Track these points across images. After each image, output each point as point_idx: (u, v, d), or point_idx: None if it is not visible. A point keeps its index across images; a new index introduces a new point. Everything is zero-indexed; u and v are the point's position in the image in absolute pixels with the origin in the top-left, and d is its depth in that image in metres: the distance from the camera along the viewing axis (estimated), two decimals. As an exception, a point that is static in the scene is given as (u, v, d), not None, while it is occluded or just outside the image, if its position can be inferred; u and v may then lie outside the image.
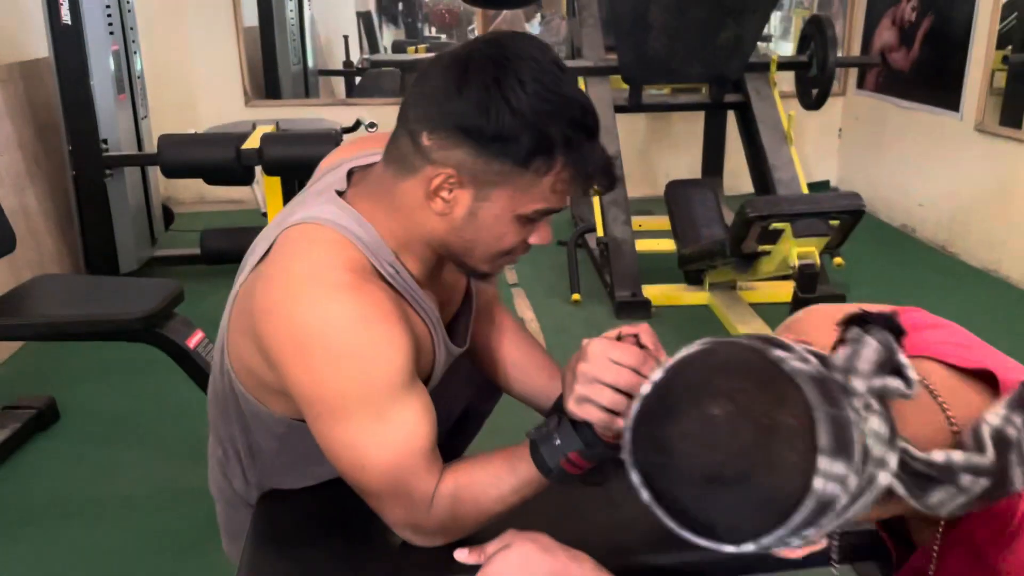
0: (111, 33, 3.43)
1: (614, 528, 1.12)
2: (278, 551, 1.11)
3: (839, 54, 4.98)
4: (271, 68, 5.32)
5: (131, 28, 3.66)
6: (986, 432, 0.70)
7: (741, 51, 3.64)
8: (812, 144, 5.06)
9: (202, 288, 2.88)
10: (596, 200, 3.51)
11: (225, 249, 3.15)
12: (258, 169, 3.10)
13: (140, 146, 3.69)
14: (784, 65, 3.88)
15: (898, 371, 0.68)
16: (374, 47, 6.81)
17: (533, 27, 7.02)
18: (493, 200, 0.94)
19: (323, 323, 0.92)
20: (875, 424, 0.66)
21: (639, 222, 3.93)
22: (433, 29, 7.72)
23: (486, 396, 1.38)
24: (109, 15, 3.42)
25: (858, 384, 0.67)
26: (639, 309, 3.23)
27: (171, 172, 3.07)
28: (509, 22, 6.56)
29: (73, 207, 3.43)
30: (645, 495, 0.70)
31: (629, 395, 0.89)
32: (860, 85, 4.85)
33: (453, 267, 1.09)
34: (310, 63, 5.84)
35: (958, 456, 0.69)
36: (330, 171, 1.10)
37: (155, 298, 2.07)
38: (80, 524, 2.05)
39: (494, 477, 0.97)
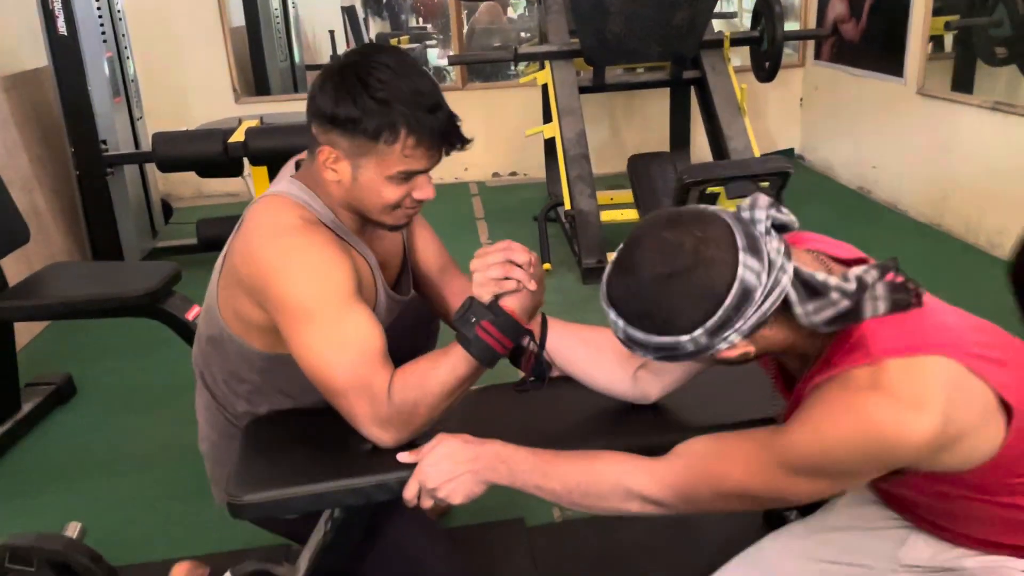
0: (104, 41, 3.68)
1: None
2: (264, 458, 1.34)
3: (797, 27, 5.25)
4: (259, 65, 5.55)
5: (123, 35, 3.92)
6: (851, 274, 0.99)
7: (695, 30, 3.87)
8: (776, 114, 5.30)
9: (200, 273, 3.13)
10: (564, 177, 3.76)
11: (219, 235, 3.40)
12: (246, 162, 3.38)
13: (137, 145, 3.96)
14: (737, 41, 4.11)
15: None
16: (359, 40, 7.02)
17: (512, 15, 7.25)
18: (364, 167, 1.26)
19: (284, 252, 1.25)
20: (775, 243, 0.98)
21: (610, 196, 4.18)
22: (421, 20, 7.91)
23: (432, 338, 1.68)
24: (102, 24, 3.68)
25: (759, 215, 0.99)
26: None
27: (165, 166, 3.33)
28: (489, 11, 6.79)
29: (78, 204, 3.69)
30: (619, 322, 1.02)
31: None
32: (817, 56, 5.08)
33: (382, 234, 1.41)
34: (297, 59, 6.08)
35: (832, 279, 0.99)
36: (287, 165, 1.44)
37: (156, 278, 2.34)
38: (100, 477, 2.33)
39: (432, 362, 1.25)
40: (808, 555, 1.31)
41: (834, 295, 0.98)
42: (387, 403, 1.23)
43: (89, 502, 2.22)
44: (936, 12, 4.04)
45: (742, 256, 0.96)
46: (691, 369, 1.33)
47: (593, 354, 1.38)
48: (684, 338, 0.99)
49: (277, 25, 5.76)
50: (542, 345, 1.34)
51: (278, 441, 1.40)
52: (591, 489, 1.14)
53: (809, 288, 0.99)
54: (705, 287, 0.96)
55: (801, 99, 5.38)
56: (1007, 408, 0.98)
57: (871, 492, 1.30)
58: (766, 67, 4.11)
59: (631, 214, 3.84)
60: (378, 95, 1.21)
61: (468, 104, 5.09)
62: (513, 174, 5.37)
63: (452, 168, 5.10)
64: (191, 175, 4.66)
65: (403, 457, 1.24)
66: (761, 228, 0.99)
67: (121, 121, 3.81)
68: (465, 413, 1.35)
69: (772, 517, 1.70)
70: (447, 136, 1.26)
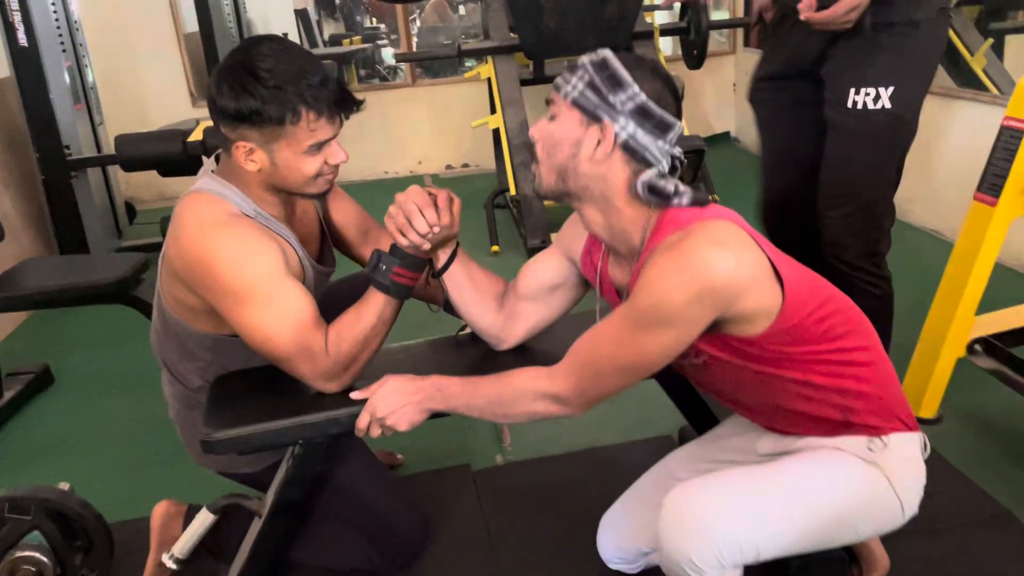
0: (64, 51, 3.85)
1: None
2: (231, 404, 1.55)
3: (727, 17, 5.53)
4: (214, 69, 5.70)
5: (80, 44, 4.08)
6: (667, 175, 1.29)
7: (625, 22, 4.12)
8: (711, 100, 5.58)
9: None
10: (508, 166, 4.00)
11: (183, 231, 3.60)
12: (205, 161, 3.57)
13: (99, 149, 4.13)
14: (666, 31, 4.37)
15: None
16: (312, 42, 7.17)
17: (459, 12, 7.45)
18: (279, 149, 1.39)
19: (214, 244, 1.39)
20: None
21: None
22: (374, 20, 8.07)
23: None
24: (60, 34, 3.84)
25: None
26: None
27: (128, 166, 3.51)
28: (435, 9, 7.00)
29: (45, 208, 3.84)
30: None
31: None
32: (746, 44, 5.37)
33: (302, 212, 1.59)
34: (251, 62, 6.23)
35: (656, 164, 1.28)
36: (206, 162, 1.60)
37: (125, 267, 2.54)
38: (82, 452, 2.52)
39: (357, 314, 1.47)
40: (696, 459, 1.62)
41: (652, 167, 1.28)
42: (327, 358, 1.45)
43: (73, 473, 2.38)
44: (851, -2, 4.33)
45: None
46: (548, 314, 1.60)
47: (476, 291, 1.61)
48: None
49: (230, 30, 5.90)
50: (443, 269, 1.57)
51: (242, 390, 1.62)
52: (506, 398, 1.38)
53: (644, 138, 1.27)
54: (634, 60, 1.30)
55: (734, 84, 5.66)
56: (781, 281, 1.25)
57: (735, 415, 1.58)
58: (694, 55, 4.38)
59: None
60: (270, 83, 1.33)
61: (419, 100, 5.32)
62: (465, 165, 5.59)
63: (406, 162, 5.31)
64: (153, 178, 4.81)
65: (355, 395, 1.47)
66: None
67: (83, 127, 3.98)
68: (414, 362, 1.63)
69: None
70: (342, 103, 1.40)
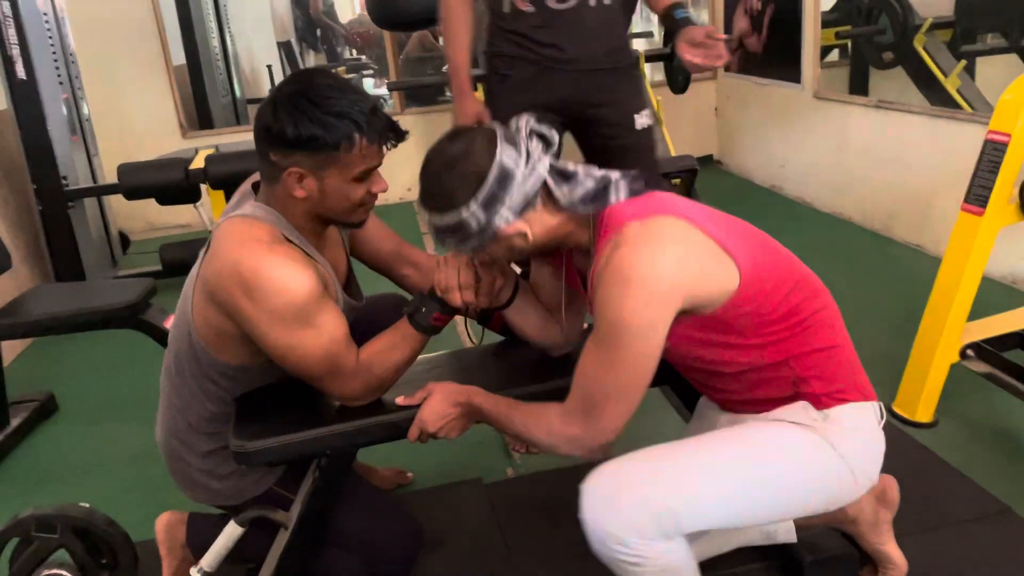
0: (60, 83, 3.90)
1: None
2: (260, 417, 1.59)
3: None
4: (202, 101, 5.73)
5: (76, 77, 4.13)
6: (596, 171, 1.36)
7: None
8: (694, 124, 5.70)
9: (163, 297, 3.37)
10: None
11: (182, 258, 3.64)
12: (203, 189, 3.62)
13: (95, 179, 4.16)
14: (651, 57, 4.49)
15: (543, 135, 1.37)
16: (297, 74, 7.24)
17: (441, 41, 7.54)
18: (329, 177, 1.44)
19: (254, 268, 1.40)
20: (536, 145, 1.33)
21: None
22: (354, 51, 8.15)
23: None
24: (57, 67, 3.89)
25: (520, 124, 1.36)
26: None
27: (131, 195, 3.55)
28: (420, 40, 7.10)
29: (42, 238, 3.87)
30: (425, 215, 1.37)
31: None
32: (727, 68, 5.51)
33: (331, 245, 1.65)
34: (238, 93, 6.30)
35: (581, 168, 1.36)
36: (245, 187, 1.64)
37: (135, 292, 2.57)
38: (92, 477, 2.53)
39: (390, 341, 1.54)
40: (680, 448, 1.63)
41: (581, 177, 1.35)
42: (356, 380, 1.52)
43: (84, 497, 2.40)
44: (830, 23, 4.48)
45: (501, 146, 1.31)
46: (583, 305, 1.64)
47: (539, 319, 1.66)
48: (464, 212, 1.31)
49: (217, 62, 5.97)
50: (507, 305, 1.63)
51: (269, 403, 1.66)
52: (532, 436, 1.43)
53: (563, 175, 1.35)
54: (472, 169, 1.30)
55: (716, 108, 5.80)
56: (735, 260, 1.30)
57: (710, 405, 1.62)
58: (679, 81, 4.50)
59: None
60: (332, 110, 1.39)
61: (407, 128, 5.38)
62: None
63: (396, 190, 5.36)
64: (143, 209, 4.89)
65: (401, 401, 1.54)
66: (523, 134, 1.34)
67: (79, 158, 4.02)
68: (443, 371, 1.71)
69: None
70: (390, 131, 1.48)
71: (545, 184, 1.33)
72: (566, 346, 1.70)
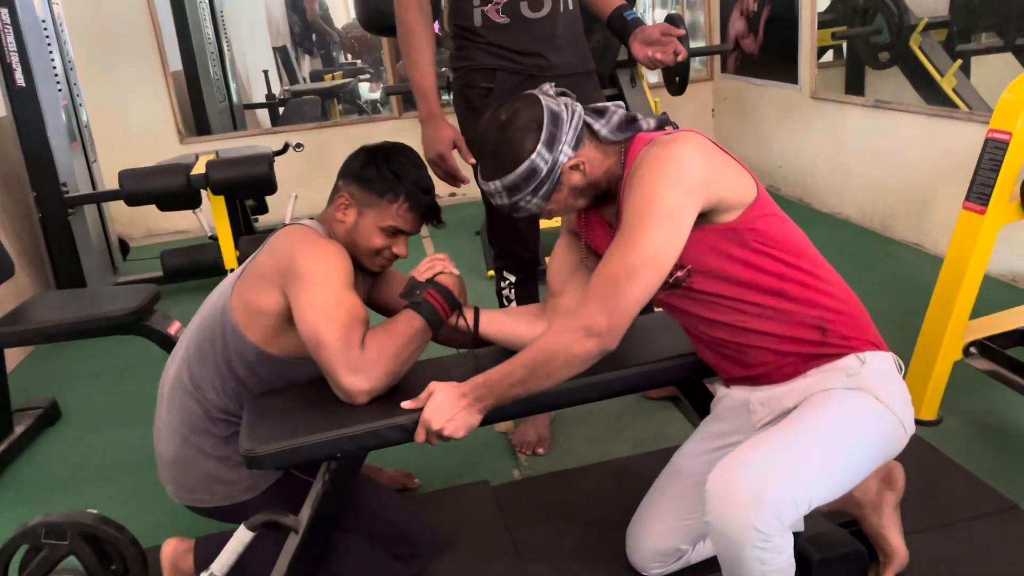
0: (60, 90, 3.89)
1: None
2: (270, 420, 1.60)
3: (703, 44, 5.70)
4: (199, 107, 5.75)
5: (75, 84, 4.13)
6: (623, 108, 1.53)
7: (610, 51, 4.25)
8: (691, 124, 5.65)
9: (165, 303, 3.38)
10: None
11: (183, 264, 3.64)
12: (204, 195, 3.62)
13: (94, 186, 4.16)
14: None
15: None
16: (293, 78, 7.25)
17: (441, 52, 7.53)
18: (366, 215, 1.70)
19: (309, 245, 1.63)
20: (568, 100, 1.52)
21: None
22: (350, 56, 8.15)
23: None
24: (56, 75, 3.89)
25: (549, 90, 1.54)
26: (539, 276, 3.80)
27: (132, 200, 3.54)
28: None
29: (42, 245, 3.87)
30: (496, 185, 1.49)
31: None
32: (724, 69, 5.54)
33: (357, 283, 1.75)
34: (235, 99, 6.31)
35: (611, 105, 1.52)
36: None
37: (139, 298, 2.57)
38: (98, 483, 2.53)
39: (391, 323, 1.61)
40: (701, 452, 1.70)
41: (612, 109, 1.52)
42: (359, 353, 1.55)
43: (91, 504, 2.40)
44: (826, 24, 4.51)
45: (545, 101, 1.48)
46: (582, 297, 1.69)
47: (522, 322, 1.74)
48: (534, 156, 1.44)
49: (214, 68, 5.98)
50: (476, 324, 1.72)
51: (278, 407, 1.67)
52: (543, 356, 1.43)
53: (597, 111, 1.52)
54: (528, 120, 1.46)
55: (713, 109, 5.82)
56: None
57: (718, 382, 1.69)
58: (676, 82, 4.50)
59: (558, 222, 4.18)
60: (394, 168, 1.68)
61: (406, 132, 5.38)
62: (452, 195, 5.67)
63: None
64: (142, 216, 4.90)
65: (406, 404, 1.54)
66: (546, 89, 1.53)
67: (79, 165, 4.01)
68: (445, 375, 1.65)
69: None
70: (432, 211, 1.73)
71: (585, 122, 1.49)
72: None
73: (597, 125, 1.50)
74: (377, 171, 1.68)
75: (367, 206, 1.69)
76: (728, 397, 1.66)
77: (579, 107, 1.50)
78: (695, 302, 1.52)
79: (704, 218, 1.42)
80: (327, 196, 1.80)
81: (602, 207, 1.60)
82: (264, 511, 1.73)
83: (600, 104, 1.54)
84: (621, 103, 1.55)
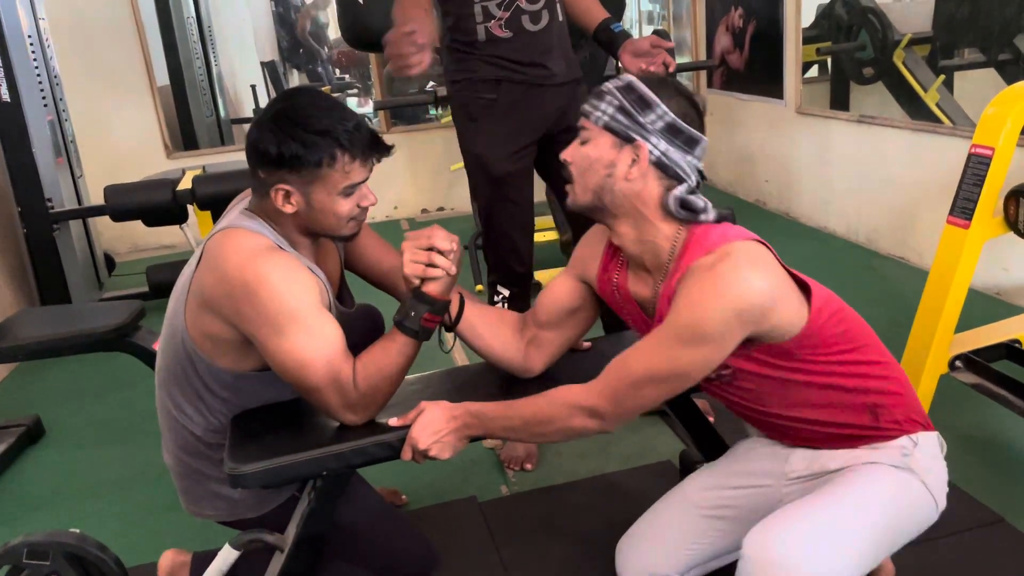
0: (45, 105, 3.88)
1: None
2: (255, 437, 1.58)
3: (689, 59, 5.73)
4: (186, 122, 5.72)
5: (60, 99, 4.11)
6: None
7: (597, 66, 4.27)
8: (678, 139, 5.75)
9: (150, 319, 3.35)
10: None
11: (170, 280, 3.59)
12: (190, 210, 3.61)
13: (80, 202, 4.14)
14: (635, 75, 4.52)
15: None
16: (281, 93, 7.24)
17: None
18: (316, 192, 1.48)
19: (259, 272, 1.43)
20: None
21: (542, 221, 4.52)
22: (338, 71, 8.16)
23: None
24: (42, 89, 3.87)
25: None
26: (532, 291, 3.81)
27: (118, 216, 3.52)
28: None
29: (26, 260, 3.83)
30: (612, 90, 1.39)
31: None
32: (710, 85, 5.57)
33: (325, 256, 1.65)
34: (222, 114, 6.30)
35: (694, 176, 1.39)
36: (236, 203, 1.66)
37: (124, 314, 2.54)
38: (83, 501, 2.50)
39: (383, 350, 1.52)
40: (716, 486, 1.63)
41: (691, 172, 1.37)
42: (354, 391, 1.49)
43: (74, 522, 2.38)
44: (810, 40, 4.54)
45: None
46: (568, 337, 1.67)
47: (493, 329, 1.67)
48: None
49: (201, 83, 5.97)
50: (458, 319, 1.63)
51: (264, 425, 1.65)
52: (542, 416, 1.43)
53: (686, 140, 1.36)
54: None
55: (699, 124, 5.84)
56: (805, 290, 1.35)
57: (755, 432, 1.63)
58: (663, 97, 4.53)
59: (551, 235, 4.20)
60: (314, 128, 1.43)
61: (396, 146, 5.40)
62: (441, 209, 5.68)
63: (383, 207, 5.37)
64: (127, 231, 4.87)
65: (393, 422, 1.52)
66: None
67: (64, 180, 3.99)
68: (432, 393, 1.68)
69: (687, 469, 2.01)
70: (374, 147, 1.50)
71: (664, 144, 1.35)
72: (525, 372, 1.70)
73: (674, 154, 1.36)
74: (296, 141, 1.43)
75: (309, 184, 1.47)
76: (763, 442, 1.61)
77: (668, 116, 1.35)
78: (738, 393, 1.48)
79: (753, 339, 1.34)
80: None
81: (634, 272, 1.51)
82: (250, 530, 1.72)
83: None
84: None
